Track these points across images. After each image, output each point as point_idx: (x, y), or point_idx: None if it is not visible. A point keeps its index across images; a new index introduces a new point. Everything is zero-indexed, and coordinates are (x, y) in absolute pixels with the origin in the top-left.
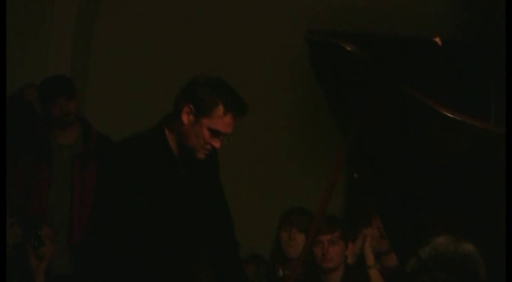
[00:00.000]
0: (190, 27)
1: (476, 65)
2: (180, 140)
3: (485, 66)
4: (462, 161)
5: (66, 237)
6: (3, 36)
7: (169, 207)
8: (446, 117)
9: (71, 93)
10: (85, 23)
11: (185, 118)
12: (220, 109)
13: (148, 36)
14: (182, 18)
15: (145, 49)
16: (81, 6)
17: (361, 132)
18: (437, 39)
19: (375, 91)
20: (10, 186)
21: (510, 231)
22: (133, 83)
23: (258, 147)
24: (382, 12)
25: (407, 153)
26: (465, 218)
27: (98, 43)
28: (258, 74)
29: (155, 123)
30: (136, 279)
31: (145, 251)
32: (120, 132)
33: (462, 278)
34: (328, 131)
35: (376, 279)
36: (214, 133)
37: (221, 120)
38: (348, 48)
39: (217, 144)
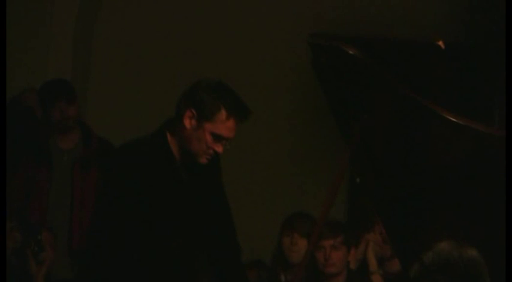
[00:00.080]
0: (192, 30)
1: (480, 68)
2: (182, 145)
3: (488, 69)
4: (465, 165)
5: (66, 242)
6: (3, 36)
7: (171, 212)
8: (449, 121)
9: (71, 97)
10: (86, 24)
11: (187, 122)
12: (223, 113)
13: (149, 39)
14: (184, 21)
15: (147, 52)
16: (82, 7)
17: (363, 136)
18: (440, 43)
19: (377, 94)
20: (10, 190)
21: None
22: (134, 86)
23: (260, 152)
24: (384, 16)
25: (410, 157)
26: (468, 223)
27: (98, 45)
28: (259, 77)
29: (157, 128)
30: None
31: (146, 256)
32: (121, 137)
33: None
34: (331, 135)
35: None
36: (217, 138)
37: (223, 124)
38: (350, 52)
39: (219, 148)
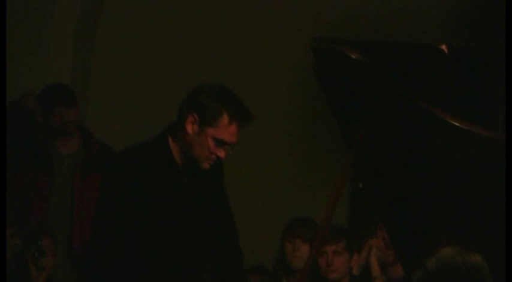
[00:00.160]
0: (194, 34)
1: (483, 72)
2: (184, 150)
3: (491, 73)
4: (468, 170)
5: (66, 247)
6: (3, 37)
7: (173, 218)
8: (453, 126)
9: (71, 102)
10: (86, 27)
11: (189, 128)
12: (225, 118)
13: (150, 42)
14: (185, 24)
15: (148, 55)
16: (83, 9)
17: (366, 140)
18: (443, 47)
19: (380, 99)
20: (10, 195)
21: None
22: (135, 90)
23: (262, 156)
24: (386, 19)
25: (412, 161)
26: (472, 228)
27: (99, 47)
28: (261, 80)
29: (159, 133)
30: None
31: (148, 261)
32: (121, 141)
33: None
34: (333, 139)
35: None
36: (219, 143)
37: (226, 129)
38: (353, 56)
39: (222, 154)
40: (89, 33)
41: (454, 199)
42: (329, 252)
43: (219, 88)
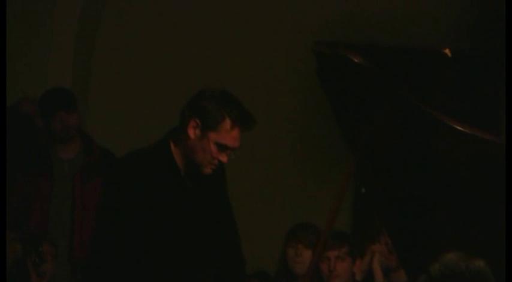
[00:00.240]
0: (195, 37)
1: (486, 76)
2: (186, 155)
3: (494, 76)
4: (472, 175)
5: (67, 253)
6: (3, 37)
7: (175, 223)
8: (456, 130)
9: (72, 106)
10: (87, 30)
11: (191, 132)
12: (228, 123)
13: (152, 46)
14: (186, 27)
15: (150, 59)
16: (84, 10)
17: (369, 145)
18: (446, 51)
19: (382, 103)
20: (10, 201)
21: None
22: (136, 94)
23: (264, 161)
24: (388, 23)
25: (415, 166)
26: (475, 232)
27: (100, 49)
28: (263, 85)
29: (160, 138)
30: None
31: (150, 266)
32: (122, 146)
33: None
34: (336, 144)
35: None
36: (222, 148)
37: (228, 134)
38: (355, 60)
39: (224, 158)
40: (90, 35)
41: (456, 202)
42: (331, 257)
43: (221, 92)
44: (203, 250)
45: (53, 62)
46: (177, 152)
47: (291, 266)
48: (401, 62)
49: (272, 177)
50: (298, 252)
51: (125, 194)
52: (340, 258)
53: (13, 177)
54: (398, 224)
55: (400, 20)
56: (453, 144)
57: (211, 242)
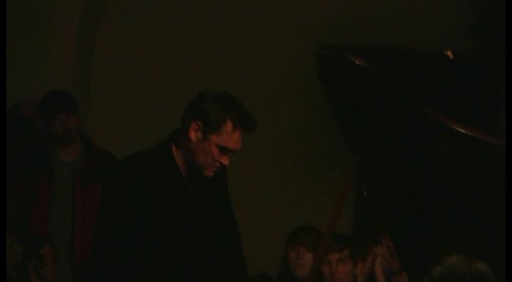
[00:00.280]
0: (196, 38)
1: (487, 78)
2: (187, 158)
3: (495, 78)
4: (473, 177)
5: (67, 255)
6: (3, 37)
7: (176, 225)
8: (457, 132)
9: (72, 109)
10: (88, 29)
11: (193, 135)
12: (229, 125)
13: (153, 48)
14: (188, 29)
15: (151, 61)
16: (85, 11)
17: (369, 146)
18: (448, 53)
19: (384, 105)
20: (11, 203)
21: None
22: (137, 96)
23: (265, 164)
24: (390, 25)
25: (417, 168)
26: (477, 234)
27: (101, 51)
28: (264, 87)
29: (162, 140)
30: None
31: (151, 268)
32: (123, 148)
33: None
34: (337, 147)
35: None
36: (223, 150)
37: (230, 136)
38: (357, 62)
39: (226, 161)
40: (90, 36)
41: (456, 203)
42: (333, 260)
43: (222, 95)
44: (204, 252)
45: (54, 63)
46: (178, 154)
47: (292, 269)
48: (402, 64)
49: (272, 178)
50: (300, 255)
51: (126, 196)
52: (342, 261)
53: (13, 179)
54: (399, 225)
55: (401, 21)
56: (454, 146)
57: (213, 244)
